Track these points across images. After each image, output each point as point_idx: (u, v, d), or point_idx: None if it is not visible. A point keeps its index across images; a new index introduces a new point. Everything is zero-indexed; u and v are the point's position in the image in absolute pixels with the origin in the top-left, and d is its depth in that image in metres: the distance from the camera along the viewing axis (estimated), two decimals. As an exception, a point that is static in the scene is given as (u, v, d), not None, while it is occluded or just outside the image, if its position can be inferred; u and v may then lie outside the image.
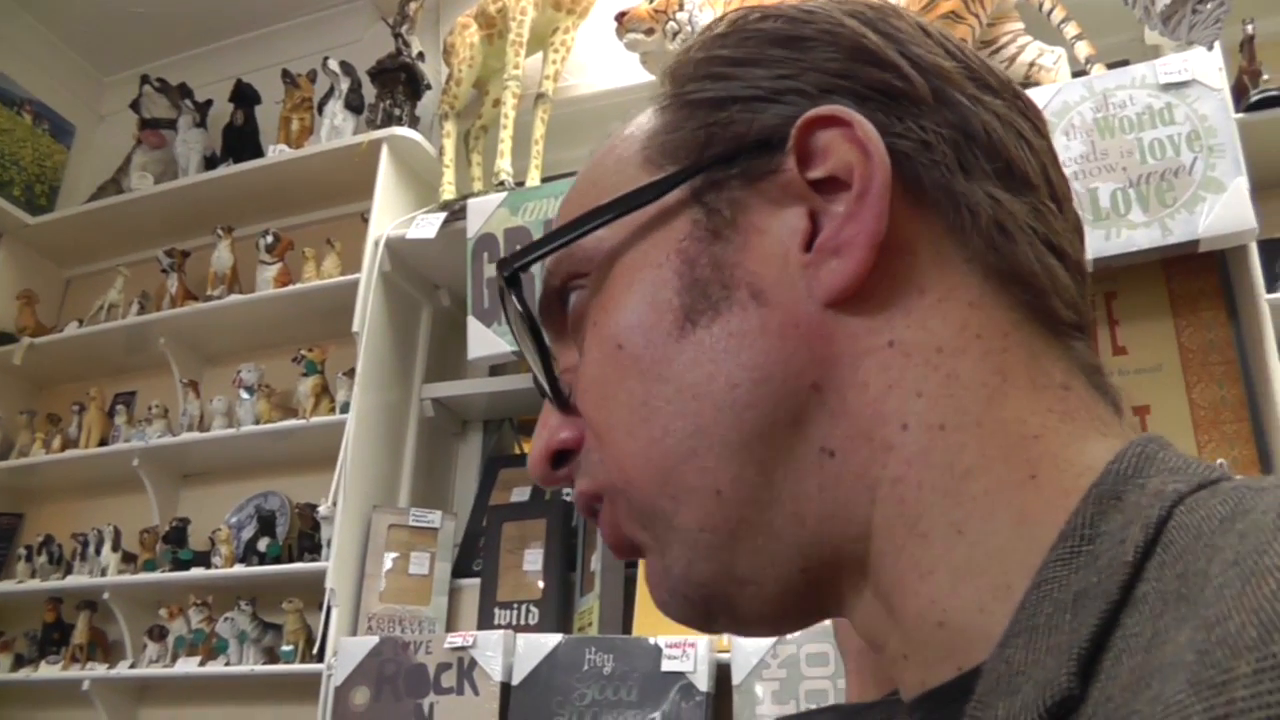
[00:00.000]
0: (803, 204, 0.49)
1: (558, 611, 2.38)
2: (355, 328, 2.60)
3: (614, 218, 0.51)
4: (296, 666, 2.50)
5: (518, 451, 2.82)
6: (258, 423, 2.79)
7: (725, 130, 0.51)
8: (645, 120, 0.55)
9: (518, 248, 0.55)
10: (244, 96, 3.43)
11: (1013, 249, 0.49)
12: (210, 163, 3.36)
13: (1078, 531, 0.41)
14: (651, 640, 2.09)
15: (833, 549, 0.48)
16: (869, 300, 0.47)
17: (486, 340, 2.44)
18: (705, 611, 0.51)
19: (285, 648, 2.53)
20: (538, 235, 2.38)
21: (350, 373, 2.66)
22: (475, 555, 2.59)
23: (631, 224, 0.52)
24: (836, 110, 0.48)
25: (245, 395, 2.84)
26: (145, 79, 3.55)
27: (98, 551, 2.90)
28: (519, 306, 0.53)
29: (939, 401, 0.46)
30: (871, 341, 0.47)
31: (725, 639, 2.06)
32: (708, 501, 0.48)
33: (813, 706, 0.93)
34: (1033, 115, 0.53)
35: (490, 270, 2.46)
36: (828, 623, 1.90)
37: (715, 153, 0.51)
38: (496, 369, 2.71)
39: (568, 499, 2.55)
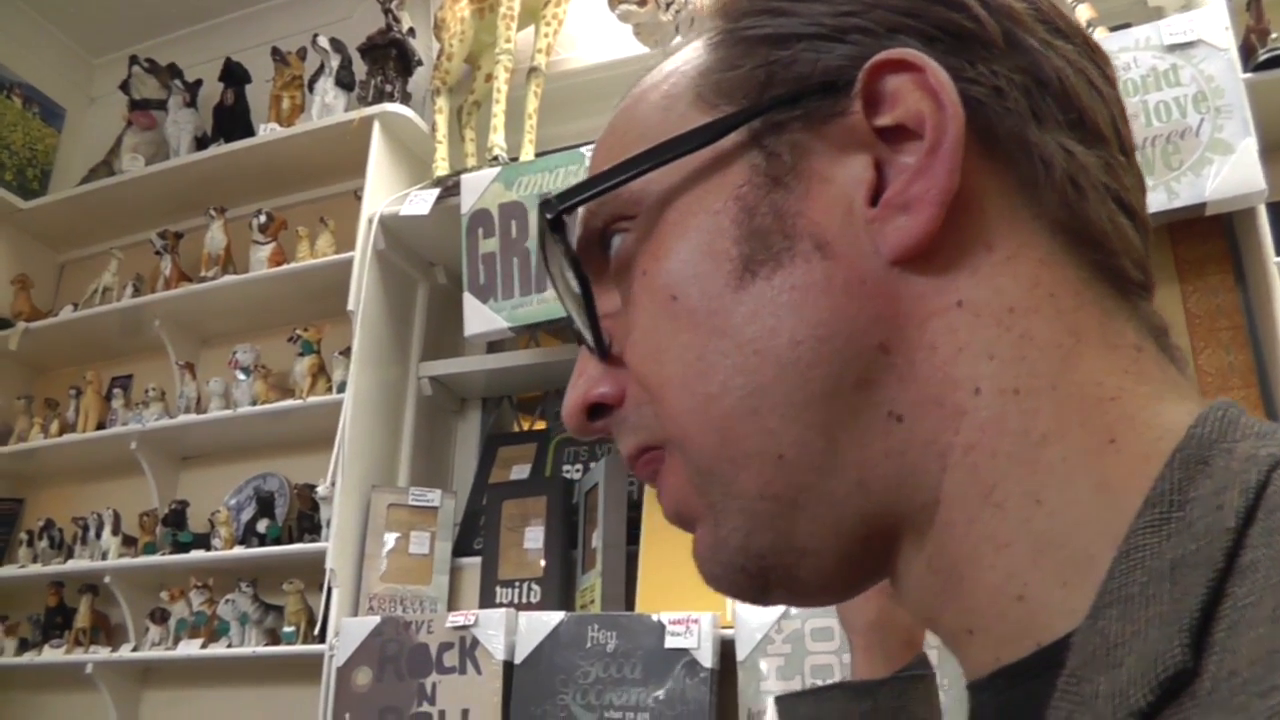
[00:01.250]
0: (868, 152, 0.46)
1: (560, 589, 2.37)
2: (350, 306, 2.57)
3: (667, 160, 0.48)
4: (298, 648, 2.49)
5: (516, 429, 2.80)
6: (255, 404, 2.77)
7: (787, 70, 0.48)
8: (694, 56, 0.52)
9: (553, 195, 0.51)
10: (234, 76, 3.39)
11: (1084, 205, 0.47)
12: (201, 143, 3.32)
13: (1166, 497, 0.39)
14: (654, 617, 2.07)
15: (895, 518, 0.46)
16: (936, 258, 0.45)
17: (483, 316, 2.41)
18: (761, 584, 0.49)
19: (287, 629, 2.52)
20: (533, 210, 2.35)
21: (346, 352, 2.63)
22: (476, 534, 2.58)
23: (685, 167, 0.49)
24: (908, 54, 0.45)
25: (242, 376, 2.82)
26: (134, 60, 3.51)
27: (98, 535, 2.90)
28: (564, 249, 0.50)
29: (1011, 364, 0.44)
30: (939, 301, 0.45)
31: (728, 614, 2.05)
32: (769, 466, 0.46)
33: (818, 682, 0.92)
34: (1102, 62, 0.51)
35: (487, 246, 2.43)
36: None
37: (776, 93, 0.48)
38: (494, 346, 2.69)
39: (568, 476, 2.54)
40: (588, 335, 0.52)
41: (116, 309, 3.15)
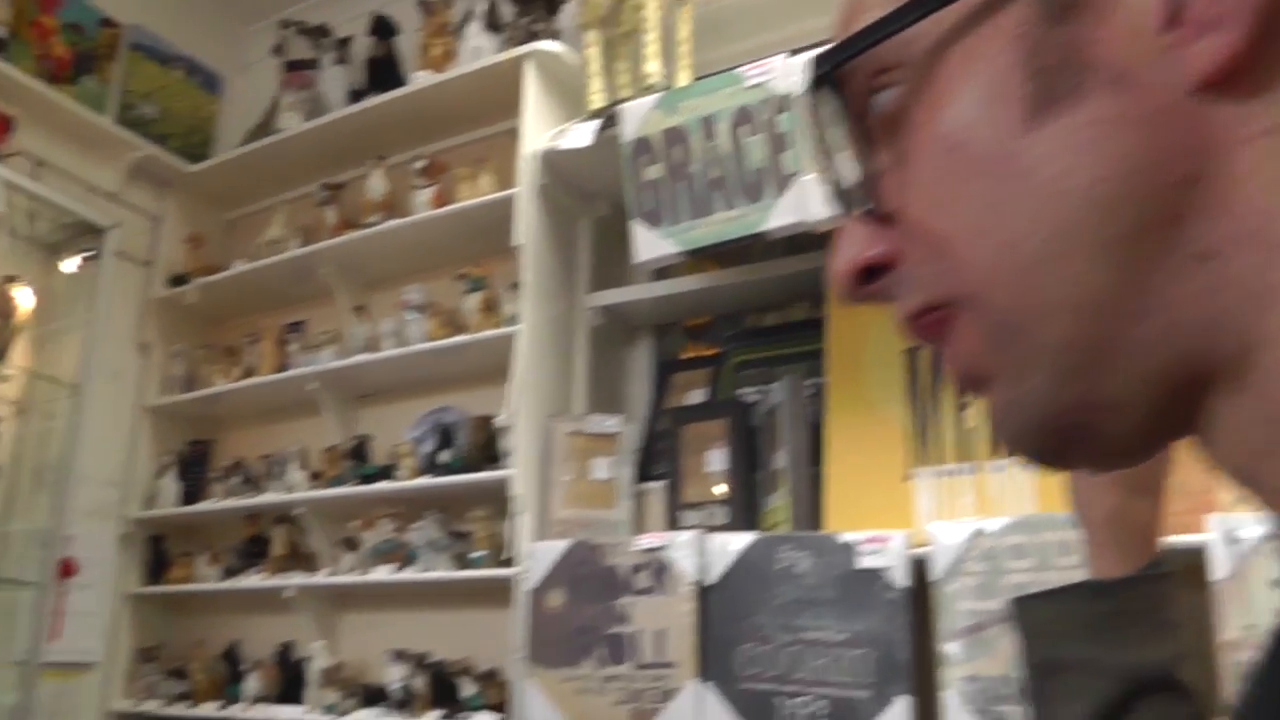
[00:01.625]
0: None
1: (744, 511, 2.40)
2: (516, 241, 2.64)
3: (941, 4, 0.46)
4: (488, 572, 2.58)
5: (687, 356, 2.83)
6: (428, 340, 2.86)
7: None
8: None
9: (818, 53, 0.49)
10: (383, 28, 3.48)
11: None
12: (355, 96, 3.42)
13: None
14: (845, 537, 2.08)
15: (1208, 366, 0.43)
16: (1243, 80, 0.41)
17: (652, 243, 2.44)
18: (1062, 445, 0.47)
19: (475, 554, 2.62)
20: (696, 134, 2.37)
21: (515, 286, 2.71)
22: (654, 461, 2.64)
23: (960, 10, 0.46)
24: None
25: (412, 315, 2.92)
26: (285, 24, 3.64)
27: (287, 471, 3.05)
28: (841, 106, 0.49)
29: None
30: (1248, 129, 0.41)
31: (921, 533, 2.05)
32: (1074, 313, 0.43)
33: (1034, 590, 0.89)
34: None
35: (651, 173, 2.45)
36: (1026, 513, 1.85)
37: None
38: (660, 273, 2.72)
39: (743, 399, 2.56)
40: (864, 193, 0.50)
41: (286, 259, 3.29)
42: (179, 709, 3.12)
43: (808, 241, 2.37)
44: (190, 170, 3.70)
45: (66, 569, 3.10)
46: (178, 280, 3.63)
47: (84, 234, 3.35)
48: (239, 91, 4.03)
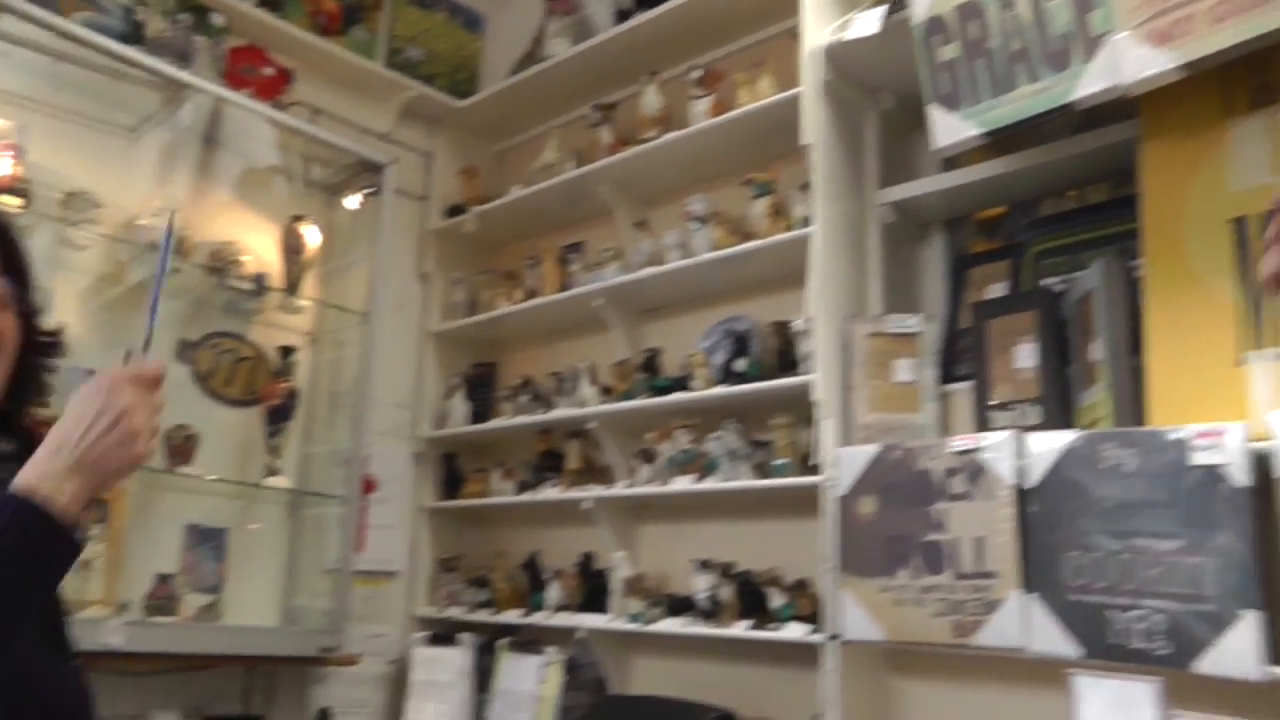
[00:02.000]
0: None
1: (1058, 409, 2.24)
2: (805, 140, 2.55)
3: None
4: (793, 480, 2.53)
5: (981, 249, 2.68)
6: (715, 249, 2.82)
7: None
8: None
9: None
10: (645, -56, 3.43)
11: None
12: (622, 16, 3.39)
13: None
14: (1175, 432, 1.88)
15: None
16: None
17: (952, 126, 2.28)
18: None
19: (777, 462, 2.57)
20: (993, 6, 2.20)
21: (804, 187, 2.62)
22: (957, 360, 2.51)
23: None
24: None
25: (696, 226, 2.88)
26: (550, -49, 3.64)
27: (577, 386, 3.09)
28: None
29: None
30: None
31: (1261, 425, 1.83)
32: None
33: None
34: None
35: (946, 53, 2.28)
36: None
37: None
38: (949, 164, 2.58)
39: (1050, 288, 2.40)
40: None
41: (562, 181, 3.32)
42: (482, 615, 3.24)
43: (1105, 115, 2.17)
44: (459, 106, 3.80)
45: (367, 486, 3.25)
46: (454, 211, 3.75)
47: (361, 174, 3.47)
48: (500, 28, 4.09)
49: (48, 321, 1.34)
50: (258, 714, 3.03)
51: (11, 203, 2.62)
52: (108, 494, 0.94)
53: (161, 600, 2.83)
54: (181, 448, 2.95)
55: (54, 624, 1.21)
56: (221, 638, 2.86)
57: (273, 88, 3.33)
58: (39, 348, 1.27)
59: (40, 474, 1.00)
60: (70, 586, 1.17)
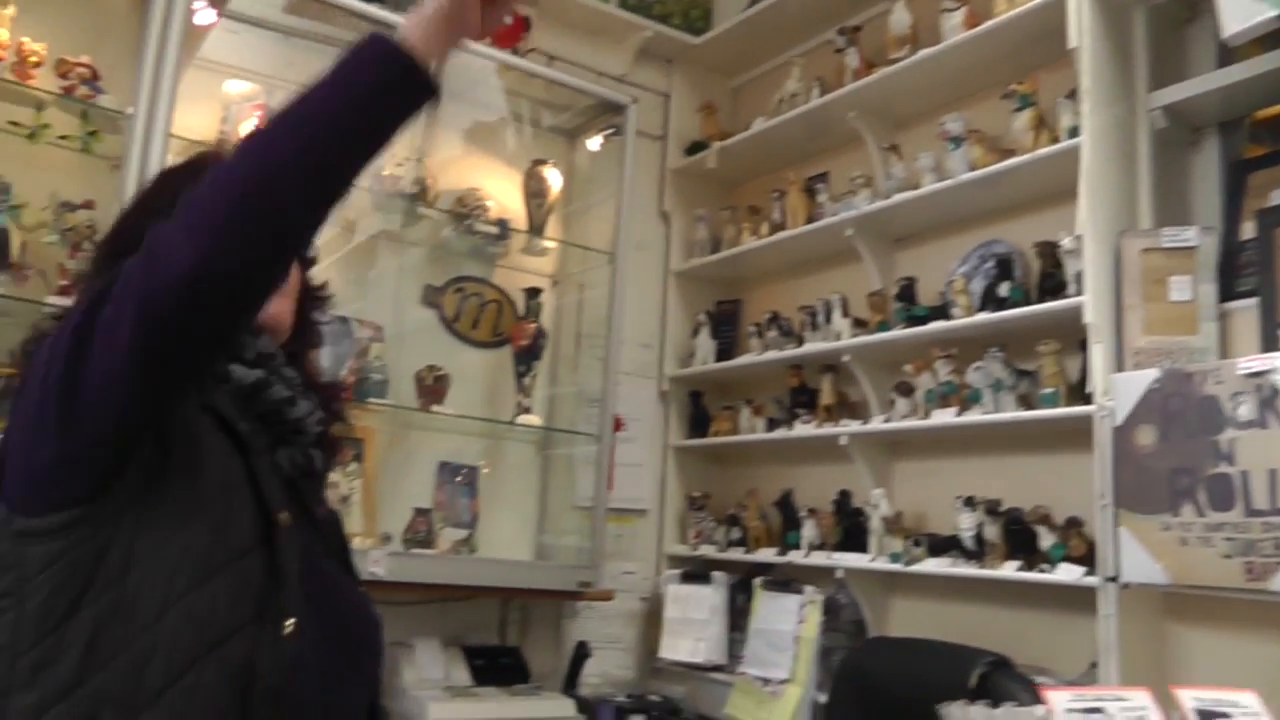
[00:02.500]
0: None
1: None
2: (1072, 43, 2.36)
3: None
4: (1063, 410, 2.36)
5: (1259, 153, 2.40)
6: (973, 169, 2.66)
7: None
8: None
9: None
10: None
11: None
12: (863, -67, 3.25)
13: None
14: None
15: None
16: None
17: (1243, 9, 2.04)
18: None
19: (1045, 391, 2.41)
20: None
21: (1070, 95, 2.44)
22: (1237, 275, 2.27)
23: None
24: None
25: (953, 146, 2.72)
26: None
27: (828, 319, 3.00)
28: None
29: None
30: None
31: None
32: None
33: None
34: None
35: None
36: None
37: None
38: (1224, 59, 2.33)
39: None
40: None
41: (809, 110, 3.22)
42: (735, 554, 3.22)
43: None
44: (694, 43, 3.75)
45: (615, 424, 3.27)
46: (694, 148, 3.71)
47: (599, 117, 3.47)
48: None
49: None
50: (513, 645, 3.11)
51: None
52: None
53: (419, 533, 2.94)
54: (433, 388, 3.05)
55: (343, 550, 1.25)
56: (479, 569, 2.95)
57: (511, 36, 3.36)
58: (313, 299, 1.32)
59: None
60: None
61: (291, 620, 0.97)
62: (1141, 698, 1.41)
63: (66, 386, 0.93)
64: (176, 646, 0.92)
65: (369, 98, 0.94)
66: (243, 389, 1.11)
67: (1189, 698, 1.42)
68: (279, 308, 1.18)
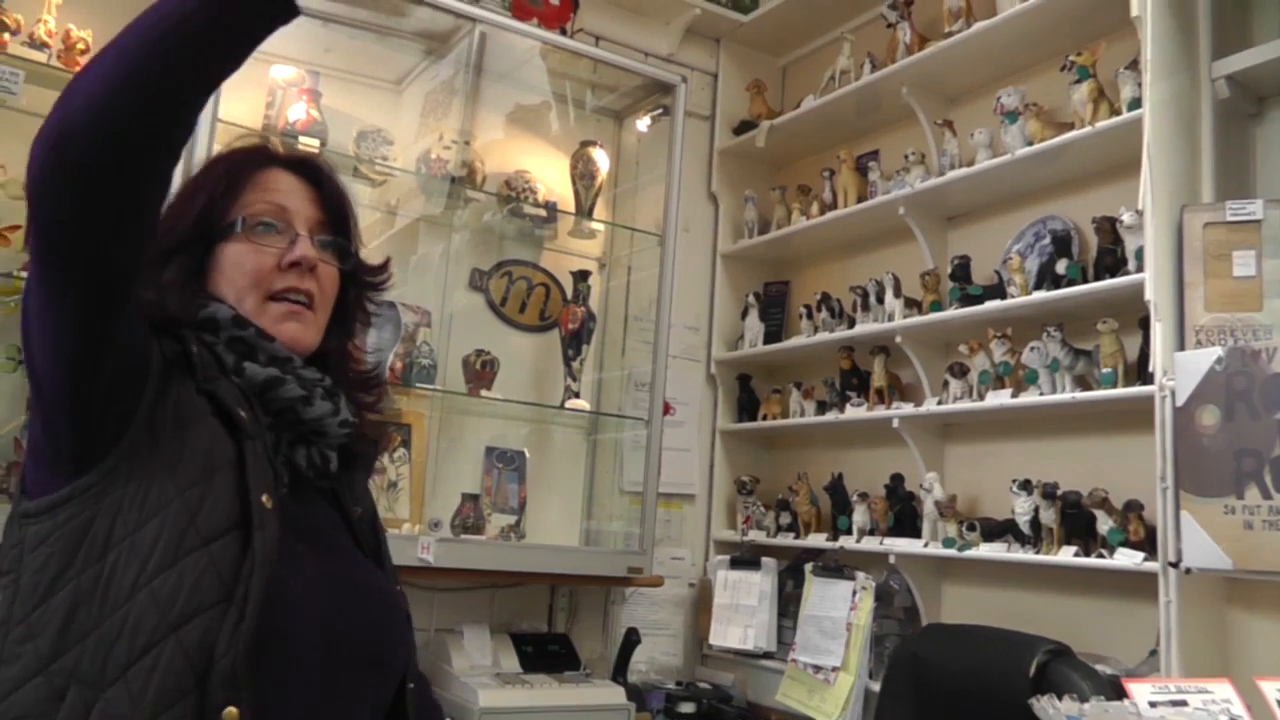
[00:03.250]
0: None
1: None
2: (1134, 12, 2.28)
3: None
4: (1122, 391, 2.29)
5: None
6: (1030, 144, 2.59)
7: None
8: None
9: None
10: None
11: None
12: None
13: None
14: None
15: None
16: None
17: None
18: None
19: (1103, 371, 2.34)
20: None
21: (1132, 65, 2.37)
22: (1309, 248, 2.19)
23: None
24: None
25: (1009, 121, 2.64)
26: None
27: (880, 300, 2.94)
28: None
29: None
30: None
31: None
32: None
33: None
34: None
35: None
36: None
37: None
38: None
39: None
40: None
41: (860, 86, 3.16)
42: (785, 540, 3.17)
43: None
44: (743, 21, 3.69)
45: (664, 409, 3.23)
46: (742, 128, 3.66)
47: (646, 98, 3.43)
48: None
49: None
50: (562, 632, 3.10)
51: (310, 144, 2.73)
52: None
53: (468, 519, 2.93)
54: (481, 372, 3.03)
55: (376, 547, 1.24)
56: (528, 555, 2.93)
57: (558, 16, 3.33)
58: (362, 285, 1.31)
59: None
60: (381, 507, 1.20)
61: (253, 605, 0.95)
62: (1225, 689, 1.36)
63: (28, 355, 0.96)
64: (140, 628, 0.93)
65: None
66: (254, 385, 1.11)
67: (1273, 690, 1.37)
68: (299, 333, 1.18)
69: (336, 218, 1.25)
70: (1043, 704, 1.19)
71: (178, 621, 0.94)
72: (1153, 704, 1.23)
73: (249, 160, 1.22)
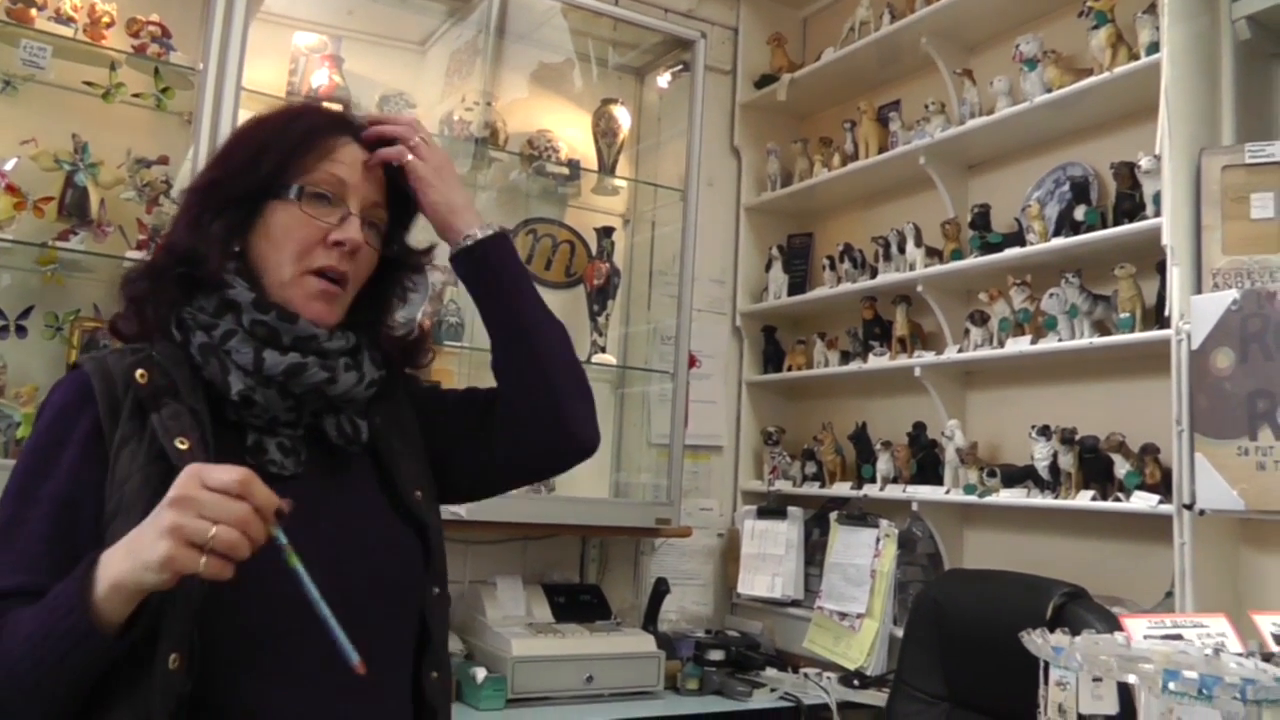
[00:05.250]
0: None
1: None
2: (1153, -46, 2.27)
3: None
4: (1139, 335, 2.31)
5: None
6: (1049, 91, 2.58)
7: None
8: None
9: None
10: None
11: None
12: None
13: None
14: None
15: None
16: None
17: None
18: None
19: (1121, 316, 2.35)
20: None
21: (1150, 9, 2.36)
22: (1330, 190, 2.19)
23: None
24: None
25: (1028, 68, 2.64)
26: None
27: (901, 249, 2.96)
28: None
29: None
30: None
31: None
32: None
33: None
34: None
35: None
36: None
37: None
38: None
39: None
40: None
41: (880, 37, 3.16)
42: (810, 489, 3.22)
43: None
44: (764, -30, 3.67)
45: (690, 361, 3.27)
46: (763, 81, 3.66)
47: (667, 54, 3.43)
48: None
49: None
50: (593, 583, 3.16)
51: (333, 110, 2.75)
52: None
53: (499, 472, 2.97)
54: (507, 329, 3.06)
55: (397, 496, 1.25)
56: (558, 508, 2.98)
57: (579, -25, 3.32)
58: (404, 266, 1.32)
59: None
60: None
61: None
62: (1220, 624, 1.38)
63: None
64: None
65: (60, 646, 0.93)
66: (273, 379, 1.11)
67: (1268, 623, 1.39)
68: (325, 313, 1.17)
69: (396, 200, 1.26)
70: (1032, 636, 1.22)
71: None
72: (1148, 637, 1.26)
73: (328, 127, 1.22)
